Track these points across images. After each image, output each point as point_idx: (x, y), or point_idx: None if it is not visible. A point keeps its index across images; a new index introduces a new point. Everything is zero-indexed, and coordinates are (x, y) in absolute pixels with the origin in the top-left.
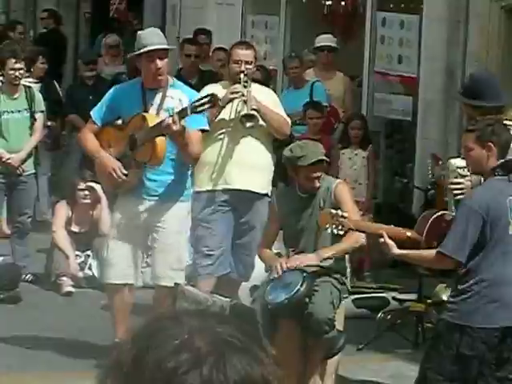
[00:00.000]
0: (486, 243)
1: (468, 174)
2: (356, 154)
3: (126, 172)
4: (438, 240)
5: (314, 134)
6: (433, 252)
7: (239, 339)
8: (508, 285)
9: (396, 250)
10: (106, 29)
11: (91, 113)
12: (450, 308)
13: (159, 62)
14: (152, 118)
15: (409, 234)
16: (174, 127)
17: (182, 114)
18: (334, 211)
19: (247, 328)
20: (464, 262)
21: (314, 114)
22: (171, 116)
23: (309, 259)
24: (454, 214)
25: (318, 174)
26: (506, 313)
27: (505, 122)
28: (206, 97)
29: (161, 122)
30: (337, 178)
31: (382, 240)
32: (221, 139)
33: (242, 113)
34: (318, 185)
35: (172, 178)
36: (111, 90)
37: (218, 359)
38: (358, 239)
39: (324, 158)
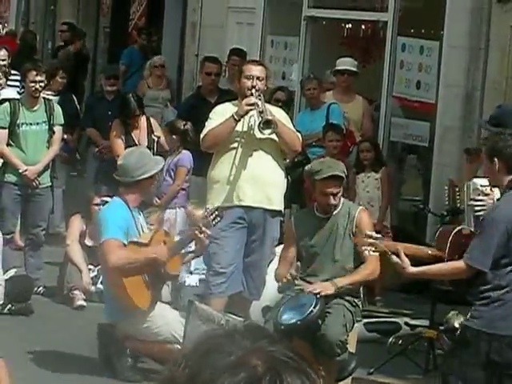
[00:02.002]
0: (509, 252)
1: (491, 193)
2: (369, 177)
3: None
4: (460, 254)
5: (332, 156)
6: (454, 264)
7: (293, 359)
8: None
9: (411, 269)
10: (125, 44)
11: (112, 236)
12: (475, 315)
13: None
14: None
15: (430, 251)
16: (206, 241)
17: (207, 224)
18: (370, 233)
19: (297, 350)
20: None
21: (334, 137)
22: (198, 227)
23: (325, 288)
24: (471, 228)
25: (333, 190)
26: None
27: None
28: (215, 210)
29: (189, 235)
30: (352, 200)
31: (395, 258)
32: (233, 154)
33: (260, 119)
34: (333, 202)
35: None
36: (111, 213)
37: (274, 378)
38: (374, 272)
39: (339, 174)
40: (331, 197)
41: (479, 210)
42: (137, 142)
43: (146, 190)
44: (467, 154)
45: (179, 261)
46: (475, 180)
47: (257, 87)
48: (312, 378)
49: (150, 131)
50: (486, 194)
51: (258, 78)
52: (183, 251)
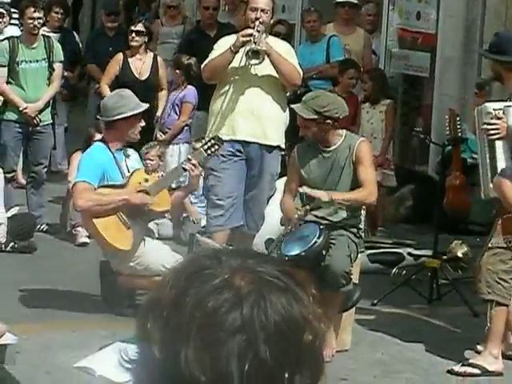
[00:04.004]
0: None
1: (503, 116)
2: (374, 108)
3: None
4: None
5: (345, 92)
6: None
7: (280, 279)
8: None
9: None
10: None
11: (83, 178)
12: None
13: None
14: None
15: None
16: (197, 171)
17: (200, 157)
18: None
19: (288, 268)
20: None
21: (355, 74)
22: (189, 160)
23: (319, 194)
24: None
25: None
26: None
27: None
28: (211, 139)
29: (176, 168)
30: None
31: None
32: (229, 88)
33: (249, 48)
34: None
35: None
36: (88, 156)
37: (258, 298)
38: (370, 195)
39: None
40: (306, 129)
41: (493, 134)
42: (136, 75)
43: (124, 132)
44: (478, 89)
45: (167, 196)
46: (487, 104)
47: (261, 19)
48: (299, 297)
49: (156, 69)
50: (499, 118)
51: (262, 11)
52: (174, 186)
